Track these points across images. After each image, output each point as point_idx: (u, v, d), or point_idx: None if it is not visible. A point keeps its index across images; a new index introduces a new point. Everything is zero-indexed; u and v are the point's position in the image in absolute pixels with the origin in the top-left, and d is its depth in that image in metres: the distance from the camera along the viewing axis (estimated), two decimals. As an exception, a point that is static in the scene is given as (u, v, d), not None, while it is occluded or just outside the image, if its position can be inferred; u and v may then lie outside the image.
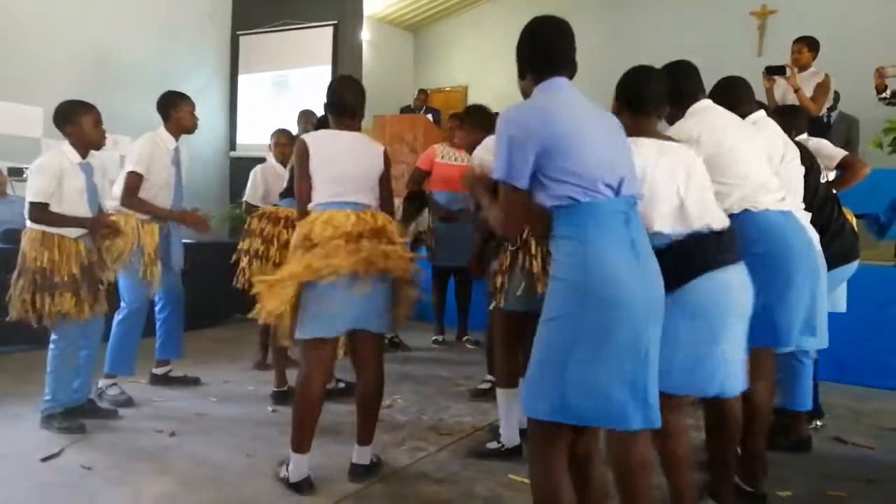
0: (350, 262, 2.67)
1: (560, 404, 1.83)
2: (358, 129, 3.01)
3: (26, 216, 3.34)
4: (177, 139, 4.01)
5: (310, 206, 2.82)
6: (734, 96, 2.77)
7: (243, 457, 3.12)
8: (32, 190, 3.31)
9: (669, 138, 2.27)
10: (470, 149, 3.73)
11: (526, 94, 2.06)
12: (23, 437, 3.27)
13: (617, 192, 1.88)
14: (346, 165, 2.86)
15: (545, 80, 1.98)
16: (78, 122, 3.39)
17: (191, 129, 4.04)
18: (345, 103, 2.94)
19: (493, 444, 3.18)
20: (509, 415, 3.13)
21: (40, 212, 3.29)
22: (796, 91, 5.25)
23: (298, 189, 2.87)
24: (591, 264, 1.81)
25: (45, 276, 3.29)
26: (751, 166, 2.49)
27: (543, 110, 1.89)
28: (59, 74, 6.46)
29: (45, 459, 3.00)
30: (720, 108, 2.56)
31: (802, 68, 5.41)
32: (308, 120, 4.68)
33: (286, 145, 4.70)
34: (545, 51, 2.00)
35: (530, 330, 2.10)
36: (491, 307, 3.15)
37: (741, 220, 2.36)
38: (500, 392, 3.15)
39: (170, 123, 3.98)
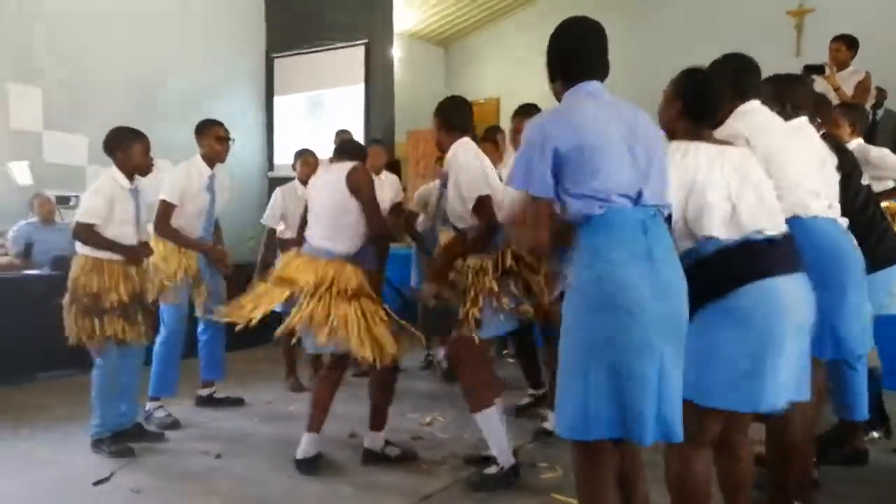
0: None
1: (586, 419, 1.80)
2: (356, 159, 3.31)
3: (73, 234, 3.42)
4: (211, 167, 4.08)
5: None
6: (789, 97, 2.63)
7: (285, 477, 3.15)
8: (82, 209, 3.41)
9: (724, 141, 2.20)
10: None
11: (558, 97, 2.05)
12: (76, 460, 3.35)
13: (636, 201, 1.85)
14: (316, 204, 3.25)
15: (575, 85, 1.97)
16: (128, 149, 3.49)
17: (216, 156, 4.08)
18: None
19: (491, 469, 3.02)
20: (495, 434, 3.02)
21: (86, 231, 3.38)
22: (836, 90, 5.12)
23: None
24: (602, 273, 1.80)
25: (97, 301, 3.37)
26: (800, 171, 2.43)
27: (564, 120, 1.88)
28: (102, 104, 6.63)
29: (96, 483, 3.07)
30: (767, 110, 2.48)
31: (842, 67, 5.29)
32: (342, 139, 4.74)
33: (315, 165, 4.76)
34: (574, 54, 1.98)
35: None
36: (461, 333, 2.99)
37: (790, 226, 2.30)
38: (477, 415, 3.04)
39: (203, 151, 4.07)
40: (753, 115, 2.43)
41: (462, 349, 3.01)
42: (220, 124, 4.12)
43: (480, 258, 2.96)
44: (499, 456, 2.99)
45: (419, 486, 3.05)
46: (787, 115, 2.60)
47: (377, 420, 3.34)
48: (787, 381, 2.02)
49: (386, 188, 5.17)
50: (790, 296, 2.02)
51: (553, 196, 1.87)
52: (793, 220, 2.32)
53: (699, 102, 2.12)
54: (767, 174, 2.30)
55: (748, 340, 1.97)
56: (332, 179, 3.22)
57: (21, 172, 6.14)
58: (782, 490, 2.44)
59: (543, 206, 1.87)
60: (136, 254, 3.53)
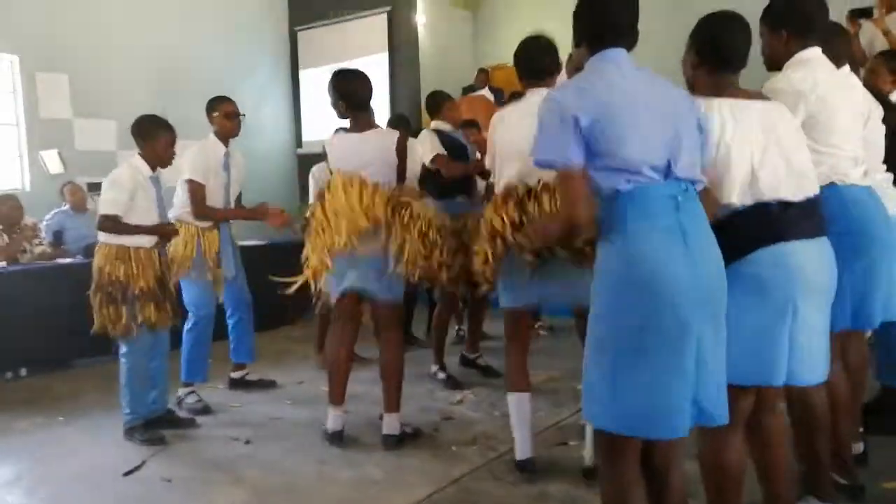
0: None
1: (615, 410, 1.70)
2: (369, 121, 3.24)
3: (97, 227, 3.42)
4: (225, 145, 4.03)
5: None
6: (830, 48, 2.42)
7: (315, 462, 3.13)
8: (105, 202, 3.40)
9: (755, 95, 2.01)
10: None
11: (579, 64, 1.91)
12: (108, 449, 3.38)
13: (666, 174, 1.71)
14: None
15: (599, 52, 1.83)
16: (154, 140, 3.47)
17: (228, 133, 4.03)
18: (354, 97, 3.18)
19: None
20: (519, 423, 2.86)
21: (112, 223, 3.37)
22: (886, 34, 4.81)
23: None
24: (632, 254, 1.67)
25: (124, 289, 3.37)
26: (846, 135, 2.27)
27: (584, 90, 1.75)
28: (129, 87, 6.66)
29: (127, 473, 3.08)
30: (826, 61, 2.30)
31: (891, 9, 4.95)
32: None
33: None
34: (604, 19, 1.84)
35: None
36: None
37: (825, 193, 2.14)
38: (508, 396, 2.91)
39: (214, 129, 4.02)
40: (811, 66, 2.25)
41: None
42: (228, 100, 4.06)
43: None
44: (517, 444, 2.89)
45: (448, 469, 2.99)
46: None
47: (391, 401, 3.25)
48: (809, 356, 1.91)
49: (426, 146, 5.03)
50: (807, 261, 1.90)
51: (584, 165, 1.72)
52: (829, 189, 2.19)
53: (714, 49, 1.95)
54: (810, 134, 2.14)
55: (764, 309, 1.86)
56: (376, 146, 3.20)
57: (52, 161, 6.20)
58: (815, 464, 2.33)
59: (578, 179, 1.71)
60: (165, 231, 3.55)
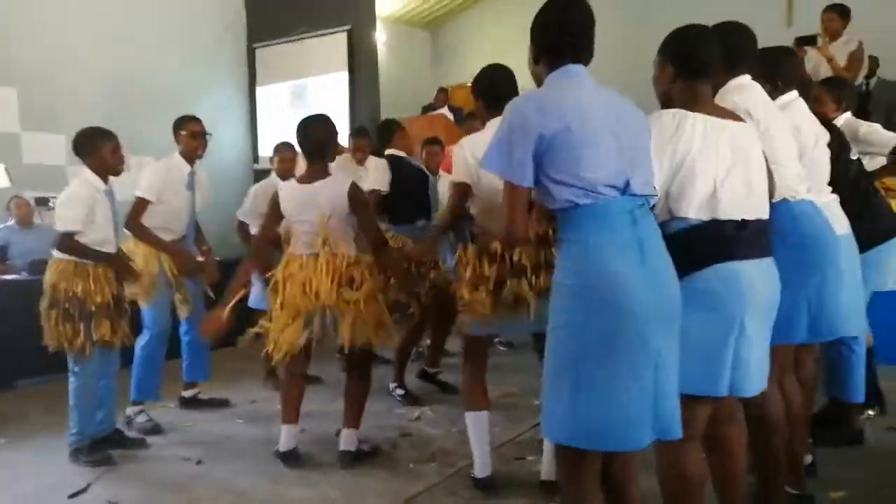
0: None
1: (576, 425, 1.70)
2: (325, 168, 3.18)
3: (53, 246, 3.31)
4: (191, 164, 3.96)
5: None
6: (779, 73, 2.53)
7: (267, 482, 3.06)
8: (63, 219, 3.29)
9: (729, 114, 2.03)
10: None
11: (538, 80, 1.93)
12: (51, 472, 3.25)
13: (623, 191, 1.75)
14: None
15: (559, 68, 1.85)
16: (96, 150, 3.37)
17: (193, 153, 3.96)
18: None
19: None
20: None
21: (69, 241, 3.27)
22: (829, 61, 5.00)
23: None
24: (591, 267, 1.69)
25: (81, 306, 3.27)
26: (789, 154, 2.34)
27: (547, 105, 1.77)
28: (82, 101, 6.49)
29: (71, 496, 2.97)
30: (759, 86, 2.36)
31: (834, 37, 5.15)
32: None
33: (291, 161, 4.64)
34: (563, 35, 1.86)
35: None
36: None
37: (777, 209, 2.20)
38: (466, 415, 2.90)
39: (180, 149, 3.96)
40: (747, 89, 2.31)
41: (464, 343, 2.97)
42: (196, 120, 3.99)
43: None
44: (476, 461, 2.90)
45: (405, 486, 2.96)
46: (776, 92, 2.49)
47: (351, 417, 3.22)
48: (750, 369, 1.95)
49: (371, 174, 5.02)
50: (756, 280, 1.93)
51: (532, 185, 1.78)
52: (781, 205, 2.24)
53: (689, 58, 1.98)
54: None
55: (713, 323, 1.89)
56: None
57: (-3, 175, 6.00)
58: (772, 475, 2.36)
59: (522, 195, 1.78)
60: (122, 265, 3.46)
